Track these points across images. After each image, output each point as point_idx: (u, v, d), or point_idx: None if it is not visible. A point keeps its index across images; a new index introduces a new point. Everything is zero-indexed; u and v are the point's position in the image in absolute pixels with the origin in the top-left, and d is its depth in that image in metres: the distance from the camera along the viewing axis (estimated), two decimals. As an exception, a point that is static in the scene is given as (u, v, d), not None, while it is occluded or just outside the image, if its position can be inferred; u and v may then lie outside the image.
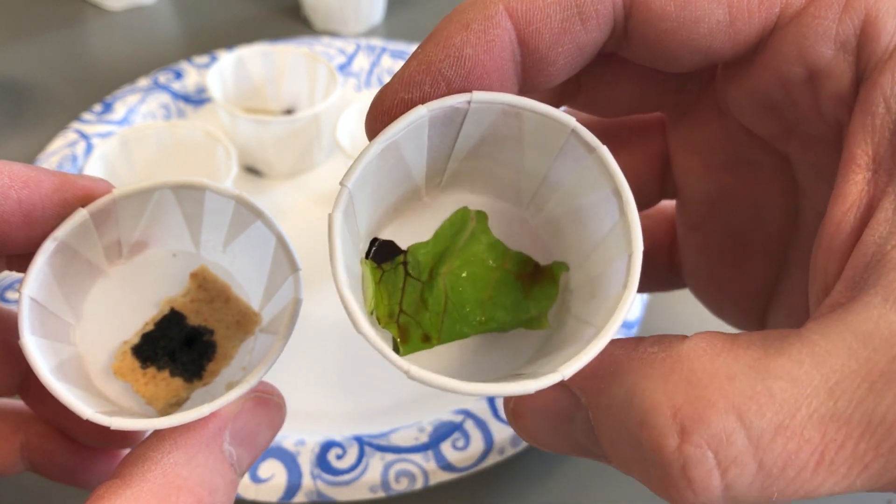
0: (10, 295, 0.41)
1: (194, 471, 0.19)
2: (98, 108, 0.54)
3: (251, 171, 0.54)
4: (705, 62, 0.19)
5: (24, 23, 0.71)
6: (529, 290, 0.21)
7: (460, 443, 0.35)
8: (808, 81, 0.18)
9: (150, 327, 0.23)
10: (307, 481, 0.34)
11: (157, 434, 0.20)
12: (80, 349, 0.22)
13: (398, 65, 0.61)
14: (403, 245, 0.21)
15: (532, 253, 0.22)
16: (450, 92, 0.18)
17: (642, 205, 0.25)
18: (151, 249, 0.24)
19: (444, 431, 0.36)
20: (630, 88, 0.22)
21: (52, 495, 0.35)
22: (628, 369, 0.17)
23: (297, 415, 0.38)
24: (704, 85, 0.23)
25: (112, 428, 0.19)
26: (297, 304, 0.21)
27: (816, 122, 0.19)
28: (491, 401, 0.37)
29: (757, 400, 0.15)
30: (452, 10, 0.19)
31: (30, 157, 0.52)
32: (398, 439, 0.35)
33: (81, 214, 0.21)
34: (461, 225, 0.22)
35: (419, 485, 0.34)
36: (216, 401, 0.19)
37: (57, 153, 0.50)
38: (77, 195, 0.21)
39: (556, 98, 0.23)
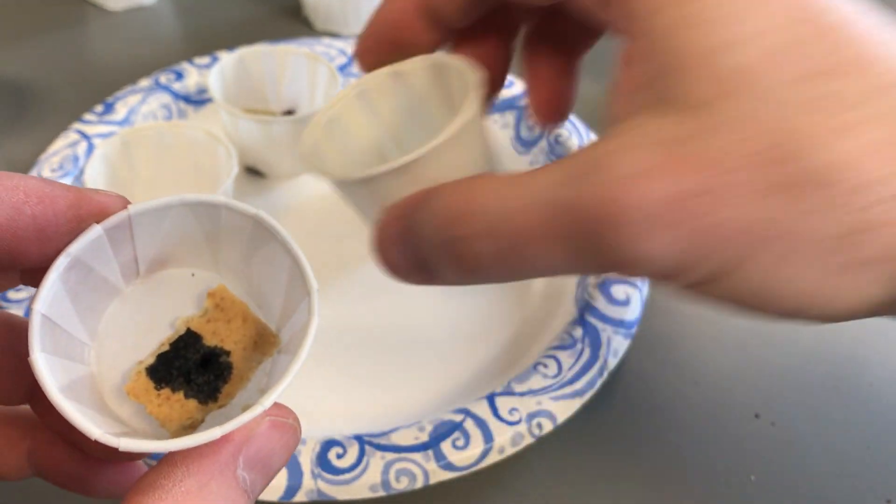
0: (12, 295, 0.42)
1: (206, 499, 0.19)
2: (99, 108, 0.54)
3: (252, 171, 0.54)
4: None
5: (25, 23, 0.71)
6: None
7: (460, 442, 0.35)
8: None
9: (166, 347, 0.23)
10: (307, 480, 0.34)
11: (169, 460, 0.19)
12: (93, 369, 0.22)
13: (399, 65, 0.61)
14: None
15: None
16: (379, 49, 0.28)
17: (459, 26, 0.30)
18: (169, 269, 0.24)
19: (444, 431, 0.36)
20: None
21: (54, 497, 0.35)
22: (441, 190, 0.24)
23: (298, 414, 0.38)
24: None
25: (120, 449, 0.19)
26: (311, 325, 0.21)
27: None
28: (491, 401, 0.37)
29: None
30: None
31: (31, 157, 0.52)
32: (398, 438, 0.35)
33: (96, 230, 0.21)
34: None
35: (419, 484, 0.34)
36: (228, 423, 0.19)
37: (58, 153, 0.50)
38: (92, 211, 0.21)
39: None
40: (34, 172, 0.49)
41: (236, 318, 0.23)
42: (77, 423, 0.19)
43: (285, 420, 0.21)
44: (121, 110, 0.54)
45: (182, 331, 0.23)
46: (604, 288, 0.43)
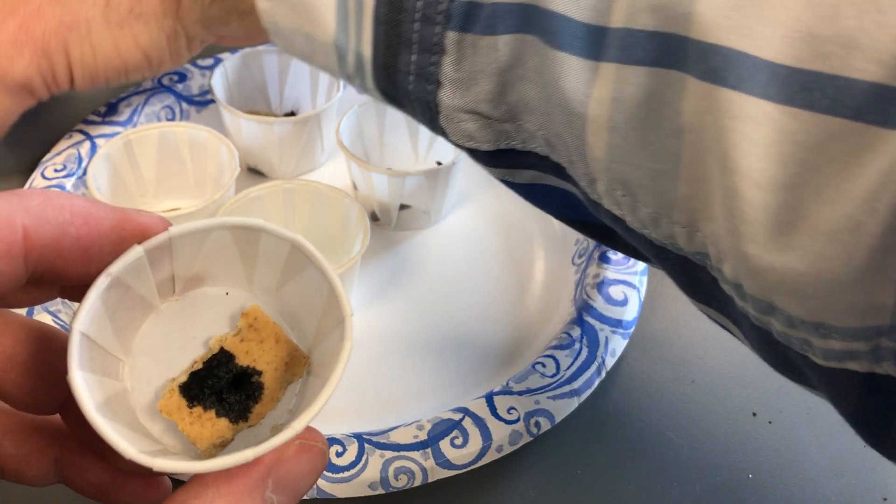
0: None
1: None
2: (103, 109, 0.55)
3: (254, 171, 0.54)
4: None
5: (30, 25, 0.71)
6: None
7: (459, 440, 0.36)
8: None
9: (199, 366, 0.23)
10: (307, 478, 0.34)
11: (199, 480, 0.19)
12: (126, 384, 0.23)
13: (400, 67, 0.62)
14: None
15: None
16: None
17: None
18: (204, 287, 0.24)
19: (442, 429, 0.36)
20: None
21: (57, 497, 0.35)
22: None
23: (298, 413, 0.38)
24: None
25: (155, 470, 0.19)
26: (344, 349, 0.21)
27: None
28: (489, 400, 0.37)
29: None
30: None
31: (35, 158, 0.52)
32: (397, 437, 0.36)
33: (137, 251, 0.21)
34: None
35: (418, 482, 0.35)
36: (261, 445, 0.19)
37: (62, 154, 0.51)
38: (134, 232, 0.21)
39: None
40: (38, 173, 0.50)
41: (269, 338, 0.23)
42: (113, 443, 0.19)
43: (314, 444, 0.22)
44: (124, 111, 0.54)
45: (216, 350, 0.23)
46: (602, 288, 0.43)
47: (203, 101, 0.58)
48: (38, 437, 0.24)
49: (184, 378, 0.23)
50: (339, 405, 0.40)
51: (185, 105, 0.57)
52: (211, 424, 0.22)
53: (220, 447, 0.22)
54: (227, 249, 0.23)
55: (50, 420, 0.25)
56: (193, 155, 0.50)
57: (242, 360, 0.23)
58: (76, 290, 0.22)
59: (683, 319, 0.45)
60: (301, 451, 0.21)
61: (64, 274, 0.21)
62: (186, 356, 0.23)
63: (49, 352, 0.23)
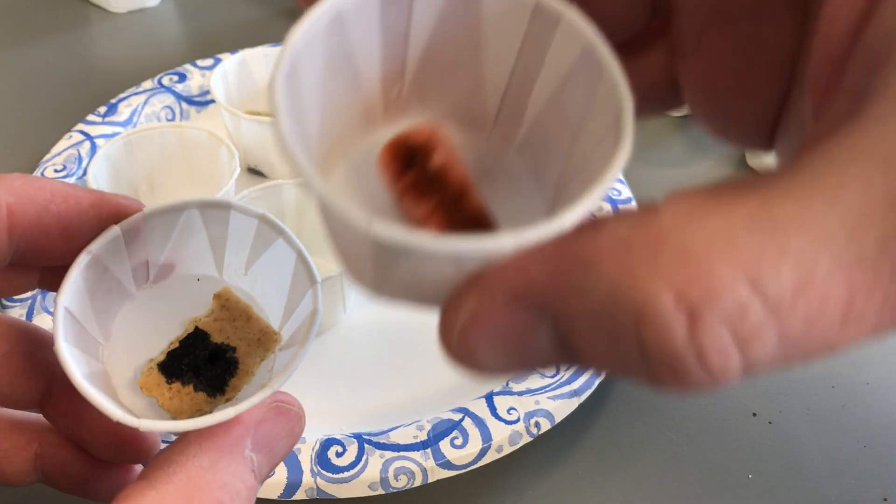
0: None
1: (217, 475, 0.20)
2: (102, 109, 0.55)
3: (254, 172, 0.54)
4: None
5: (29, 25, 0.71)
6: None
7: (459, 441, 0.36)
8: None
9: (175, 345, 0.24)
10: (307, 478, 0.34)
11: (183, 439, 0.20)
12: (106, 367, 0.23)
13: (400, 67, 0.62)
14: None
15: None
16: None
17: (633, 23, 0.21)
18: (177, 274, 0.25)
19: (442, 430, 0.36)
20: None
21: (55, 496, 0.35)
22: (601, 261, 0.13)
23: (298, 413, 0.38)
24: None
25: (141, 430, 0.20)
26: (315, 315, 0.22)
27: None
28: (489, 400, 0.37)
29: (768, 260, 0.12)
30: None
31: (36, 158, 0.52)
32: (397, 437, 0.36)
33: (114, 231, 0.22)
34: None
35: (418, 482, 0.35)
36: (240, 404, 0.20)
37: (62, 154, 0.51)
38: (112, 212, 0.22)
39: None
40: (38, 173, 0.50)
41: (241, 317, 0.24)
42: (100, 406, 0.20)
43: (290, 407, 0.22)
44: (124, 111, 0.54)
45: (191, 329, 0.24)
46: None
47: (203, 101, 0.58)
48: (17, 434, 0.25)
49: (161, 358, 0.23)
50: (338, 406, 0.40)
51: (185, 105, 0.57)
52: (189, 398, 0.23)
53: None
54: (198, 232, 0.24)
55: (28, 417, 0.25)
56: (193, 155, 0.50)
57: (217, 338, 0.24)
58: (55, 278, 0.22)
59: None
60: (278, 414, 0.22)
61: (46, 252, 0.22)
62: (163, 339, 0.24)
63: (29, 344, 0.24)
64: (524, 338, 0.15)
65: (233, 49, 0.60)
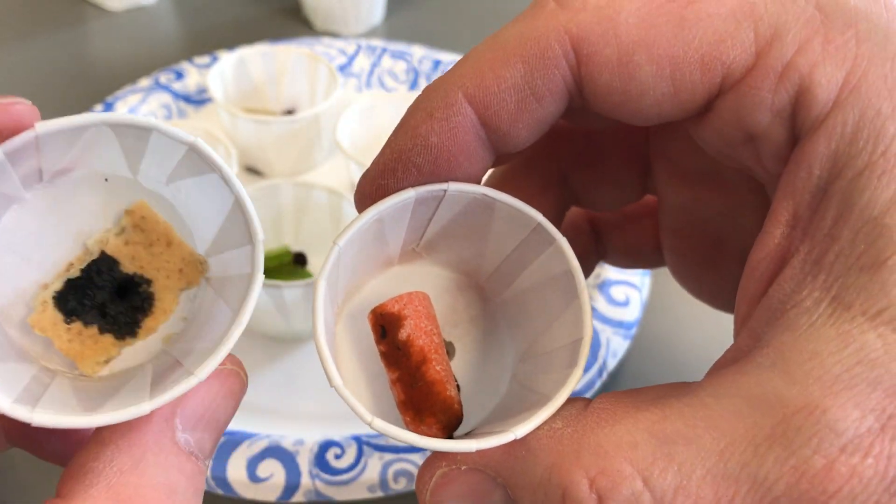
0: None
1: (144, 475, 0.17)
2: (99, 107, 0.54)
3: (252, 171, 0.54)
4: (658, 121, 0.20)
5: (26, 23, 0.71)
6: None
7: (459, 443, 0.35)
8: (750, 142, 0.19)
9: (76, 273, 0.19)
10: (306, 481, 0.34)
11: (97, 438, 0.17)
12: None
13: (398, 65, 0.61)
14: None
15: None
16: (420, 176, 0.20)
17: (624, 202, 0.27)
18: (78, 171, 0.20)
19: (442, 431, 0.36)
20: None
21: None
22: (540, 449, 0.18)
23: (296, 414, 0.38)
24: None
25: (33, 425, 0.16)
26: (252, 279, 0.19)
27: (761, 172, 0.20)
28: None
29: (658, 465, 0.17)
30: (419, 95, 0.20)
31: (30, 157, 0.52)
32: (397, 439, 0.35)
33: None
34: None
35: (417, 484, 0.34)
36: (157, 398, 0.17)
37: (58, 153, 0.50)
38: None
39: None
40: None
41: (159, 241, 0.20)
42: None
43: (222, 367, 0.19)
44: (121, 110, 0.54)
45: (96, 254, 0.20)
46: (604, 289, 0.42)
47: (200, 99, 0.58)
48: None
49: (58, 285, 0.19)
50: (337, 407, 0.39)
51: (182, 104, 0.57)
52: (93, 342, 0.19)
53: (105, 364, 0.20)
54: (108, 143, 0.19)
55: None
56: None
57: (128, 267, 0.20)
58: None
59: (686, 320, 0.45)
60: (208, 380, 0.18)
61: None
62: (59, 255, 0.20)
63: None
64: (482, 497, 0.20)
65: (230, 47, 0.60)
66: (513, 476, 0.19)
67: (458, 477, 0.20)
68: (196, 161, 0.19)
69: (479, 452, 0.19)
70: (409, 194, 0.20)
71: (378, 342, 0.21)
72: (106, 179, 0.20)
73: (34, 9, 0.73)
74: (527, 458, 0.19)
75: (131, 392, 0.18)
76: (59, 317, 0.19)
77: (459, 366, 0.23)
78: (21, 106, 0.18)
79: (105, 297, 0.20)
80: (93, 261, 0.20)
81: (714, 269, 0.26)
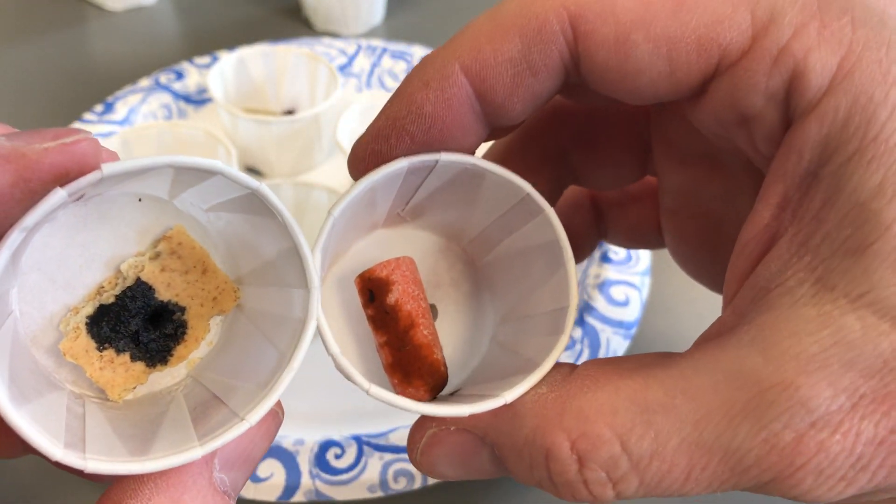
0: None
1: None
2: (99, 108, 0.54)
3: (252, 171, 0.54)
4: (655, 101, 0.20)
5: (26, 23, 0.71)
6: None
7: (459, 443, 0.35)
8: (744, 124, 0.19)
9: (110, 298, 0.19)
10: (306, 480, 0.34)
11: (135, 475, 0.17)
12: (14, 309, 0.18)
13: (398, 65, 0.61)
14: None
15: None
16: (413, 144, 0.20)
17: (624, 182, 0.28)
18: (113, 190, 0.19)
19: (442, 431, 0.36)
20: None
21: (51, 492, 0.35)
22: (526, 412, 0.19)
23: (296, 415, 0.38)
24: None
25: (87, 472, 0.16)
26: (305, 325, 0.18)
27: (754, 155, 0.20)
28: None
29: (636, 431, 0.18)
30: (416, 65, 0.21)
31: (31, 157, 0.52)
32: (397, 439, 0.35)
33: (59, 196, 0.16)
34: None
35: (417, 484, 0.34)
36: (208, 444, 0.17)
37: (58, 153, 0.50)
38: (44, 179, 0.16)
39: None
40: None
41: (195, 269, 0.20)
42: (37, 445, 0.16)
43: None
44: (121, 110, 0.54)
45: (131, 279, 0.19)
46: (604, 289, 0.43)
47: (200, 99, 0.58)
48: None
49: (89, 310, 0.19)
50: (337, 407, 0.39)
51: (182, 104, 0.57)
52: (124, 370, 0.19)
53: (132, 390, 0.20)
54: (162, 175, 0.18)
55: None
56: (191, 154, 0.49)
57: (163, 294, 0.19)
58: None
59: (686, 320, 0.45)
60: None
61: None
62: (89, 277, 0.19)
63: None
64: (470, 456, 0.21)
65: (230, 47, 0.60)
66: (500, 437, 0.20)
67: (448, 437, 0.21)
68: (255, 202, 0.18)
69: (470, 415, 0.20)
70: (401, 164, 0.20)
71: (366, 306, 0.21)
72: (140, 199, 0.19)
73: (34, 9, 0.73)
74: (513, 421, 0.20)
75: (173, 429, 0.18)
76: (91, 344, 0.19)
77: (441, 326, 0.23)
78: (85, 143, 0.17)
79: (139, 324, 0.19)
80: (128, 287, 0.19)
81: (712, 251, 0.26)
